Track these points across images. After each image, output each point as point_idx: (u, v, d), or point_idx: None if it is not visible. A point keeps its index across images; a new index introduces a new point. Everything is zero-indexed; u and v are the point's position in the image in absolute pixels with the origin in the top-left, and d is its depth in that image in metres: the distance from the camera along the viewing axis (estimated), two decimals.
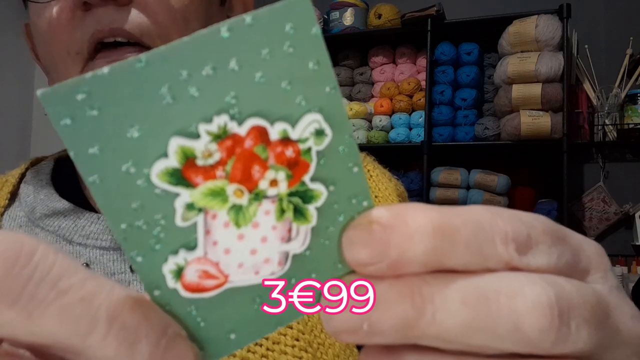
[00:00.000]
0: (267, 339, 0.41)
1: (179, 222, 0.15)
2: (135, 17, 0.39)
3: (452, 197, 2.19)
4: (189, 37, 0.14)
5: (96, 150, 0.14)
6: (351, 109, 2.37)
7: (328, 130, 0.16)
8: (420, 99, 2.31)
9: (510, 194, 2.19)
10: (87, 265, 0.43)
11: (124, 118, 0.14)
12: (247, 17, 0.14)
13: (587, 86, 2.25)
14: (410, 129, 2.34)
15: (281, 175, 0.15)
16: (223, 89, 0.14)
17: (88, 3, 0.39)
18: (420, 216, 0.15)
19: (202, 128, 0.14)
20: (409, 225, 0.15)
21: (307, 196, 0.16)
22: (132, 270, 0.44)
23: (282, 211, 0.16)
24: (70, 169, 0.52)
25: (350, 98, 2.52)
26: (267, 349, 0.40)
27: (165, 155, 0.14)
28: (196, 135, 0.14)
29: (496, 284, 0.15)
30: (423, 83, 2.34)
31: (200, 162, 0.15)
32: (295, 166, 0.16)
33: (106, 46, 0.40)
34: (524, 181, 2.23)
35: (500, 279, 0.15)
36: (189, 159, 0.14)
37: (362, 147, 2.24)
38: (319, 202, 0.16)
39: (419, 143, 2.26)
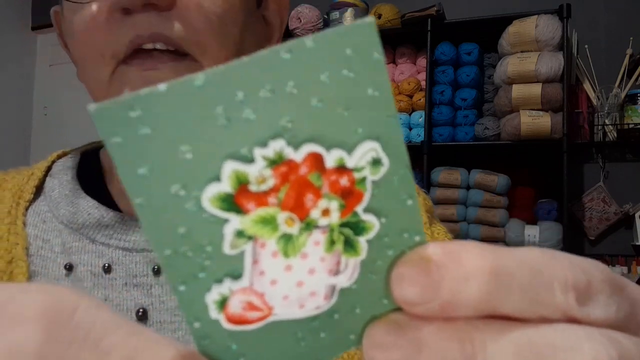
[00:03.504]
0: None
1: (226, 249, 0.14)
2: (174, 24, 0.38)
3: (452, 197, 2.19)
4: (248, 57, 0.13)
5: (145, 171, 0.13)
6: None
7: (385, 160, 0.15)
8: (420, 99, 2.31)
9: (510, 194, 2.18)
10: (109, 266, 0.42)
11: (176, 138, 0.13)
12: (308, 40, 0.13)
13: (587, 86, 2.25)
14: (410, 129, 2.33)
15: (334, 205, 0.15)
16: (279, 112, 0.14)
17: (127, 8, 0.37)
18: (476, 257, 0.15)
19: (258, 152, 0.14)
20: (464, 266, 0.14)
21: (358, 228, 0.15)
22: (154, 274, 0.42)
23: (332, 242, 0.15)
24: (96, 164, 0.50)
25: None
26: None
27: (217, 179, 0.14)
28: (250, 160, 0.14)
29: (552, 337, 0.14)
30: (423, 83, 2.33)
31: (253, 187, 0.14)
32: (349, 196, 0.15)
33: (140, 52, 0.38)
34: (524, 181, 2.23)
35: (557, 332, 0.14)
36: (242, 184, 0.14)
37: None
38: (370, 235, 0.15)
39: (419, 143, 2.25)
